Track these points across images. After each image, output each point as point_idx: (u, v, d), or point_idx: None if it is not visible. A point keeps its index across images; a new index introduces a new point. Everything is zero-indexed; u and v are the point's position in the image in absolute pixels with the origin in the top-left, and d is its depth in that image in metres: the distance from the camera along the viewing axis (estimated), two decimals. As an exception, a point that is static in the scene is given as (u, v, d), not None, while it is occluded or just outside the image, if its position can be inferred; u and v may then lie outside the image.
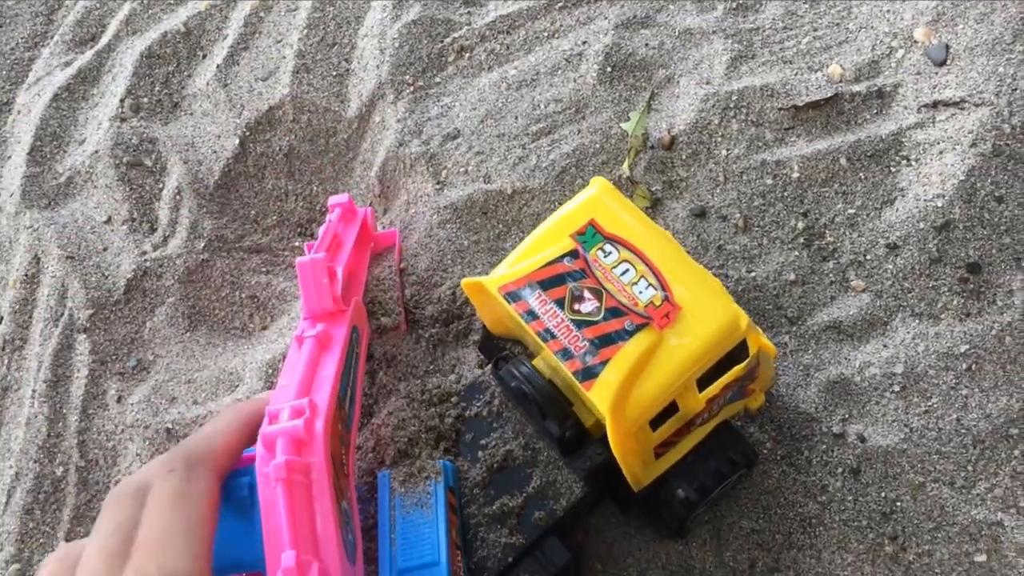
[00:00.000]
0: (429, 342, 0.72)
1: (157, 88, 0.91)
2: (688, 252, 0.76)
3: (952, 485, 0.66)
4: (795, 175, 0.77)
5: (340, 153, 0.87)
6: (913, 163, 0.76)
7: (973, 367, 0.69)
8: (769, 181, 0.77)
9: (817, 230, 0.76)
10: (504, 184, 0.78)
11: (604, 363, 0.54)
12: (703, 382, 0.56)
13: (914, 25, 0.82)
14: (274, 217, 0.85)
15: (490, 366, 0.64)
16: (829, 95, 0.79)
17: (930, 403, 0.68)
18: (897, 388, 0.69)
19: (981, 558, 0.63)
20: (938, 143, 0.76)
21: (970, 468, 0.66)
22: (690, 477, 0.60)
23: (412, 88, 0.86)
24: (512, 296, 0.57)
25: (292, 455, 0.48)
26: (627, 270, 0.56)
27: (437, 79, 0.86)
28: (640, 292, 0.55)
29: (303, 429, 0.49)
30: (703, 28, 0.86)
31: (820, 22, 0.85)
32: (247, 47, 0.92)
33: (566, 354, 0.55)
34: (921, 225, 0.73)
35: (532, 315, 0.56)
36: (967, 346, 0.69)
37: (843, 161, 0.77)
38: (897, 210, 0.74)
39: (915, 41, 0.81)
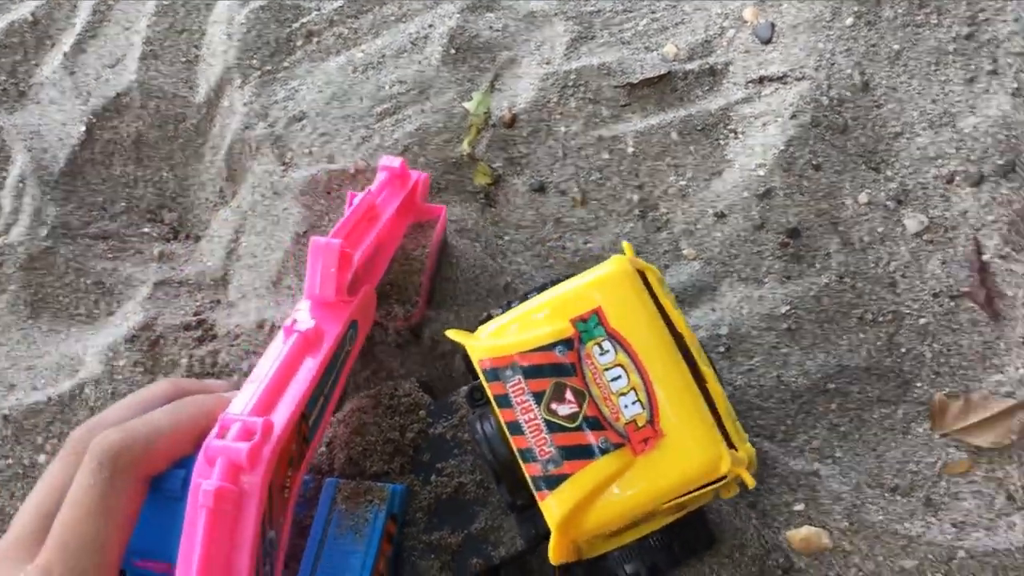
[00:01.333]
0: (413, 343, 0.69)
1: (3, 78, 0.88)
2: (528, 227, 0.77)
3: (772, 439, 0.68)
4: (630, 150, 0.79)
5: (190, 139, 0.86)
6: (740, 136, 0.79)
7: (793, 327, 0.71)
8: (606, 156, 0.79)
9: (651, 202, 0.77)
10: (347, 163, 0.78)
11: (565, 477, 0.50)
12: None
13: (743, 6, 0.84)
14: (122, 203, 0.83)
15: (466, 389, 0.61)
16: (663, 72, 0.81)
17: (752, 362, 0.70)
18: (722, 349, 0.71)
19: (799, 507, 0.66)
20: (762, 116, 0.78)
21: (789, 422, 0.69)
22: (642, 555, 0.56)
23: (259, 72, 0.85)
24: (491, 373, 0.52)
25: (227, 481, 0.45)
26: (619, 376, 0.51)
27: (285, 63, 0.86)
28: (625, 406, 0.50)
29: (246, 456, 0.46)
30: (545, 11, 0.88)
31: (658, 5, 0.87)
32: (95, 35, 0.90)
33: (529, 455, 0.50)
34: (745, 194, 0.75)
35: (505, 402, 0.51)
36: (787, 307, 0.71)
37: (674, 135, 0.79)
38: (724, 181, 0.77)
39: (744, 21, 0.84)
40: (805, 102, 0.77)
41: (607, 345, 0.51)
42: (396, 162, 0.66)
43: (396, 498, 0.59)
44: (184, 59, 0.89)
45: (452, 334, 0.54)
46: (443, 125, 0.80)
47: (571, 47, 0.85)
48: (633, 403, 0.50)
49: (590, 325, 0.51)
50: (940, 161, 0.75)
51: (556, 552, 0.50)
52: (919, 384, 0.70)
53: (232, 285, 0.78)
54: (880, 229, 0.74)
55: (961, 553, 0.63)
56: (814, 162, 0.76)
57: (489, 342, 0.52)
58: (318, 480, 0.60)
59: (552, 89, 0.82)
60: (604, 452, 0.49)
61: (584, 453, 0.50)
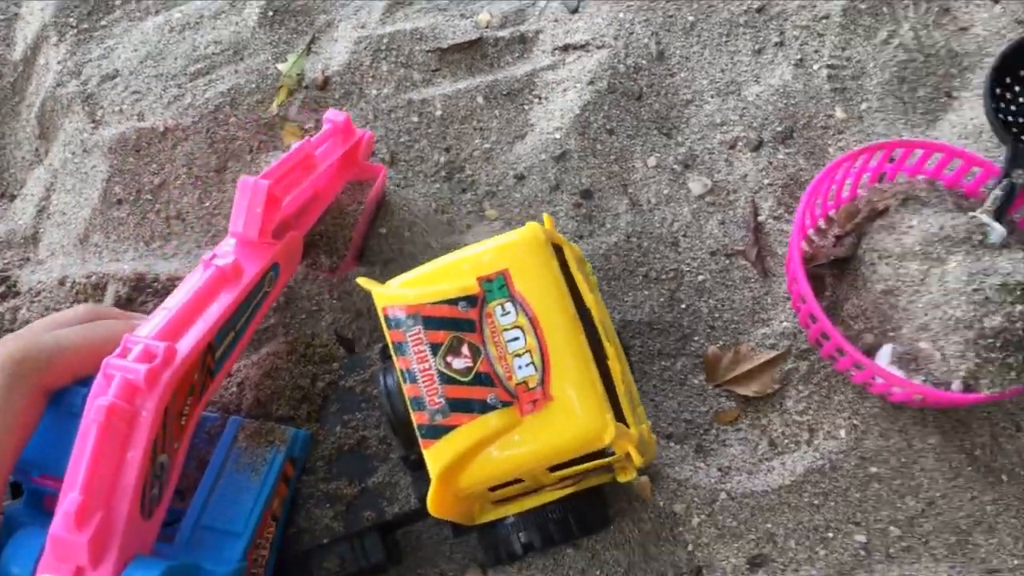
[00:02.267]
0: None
1: None
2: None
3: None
4: (438, 113, 0.80)
5: (6, 97, 0.85)
6: (543, 101, 0.81)
7: (580, 283, 0.74)
8: (415, 119, 0.81)
9: (458, 164, 0.79)
10: (156, 122, 0.78)
11: (451, 428, 0.50)
12: (556, 466, 0.53)
13: (554, -25, 0.86)
14: (-66, 160, 0.82)
15: (380, 345, 0.61)
16: (474, 39, 0.83)
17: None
18: (513, 304, 0.73)
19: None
20: (564, 82, 0.81)
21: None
22: (539, 525, 0.58)
23: (76, 31, 0.85)
24: (392, 321, 0.52)
25: (121, 400, 0.45)
26: (517, 338, 0.51)
27: (103, 22, 0.86)
28: (519, 367, 0.50)
29: (143, 377, 0.46)
30: (366, -24, 0.89)
31: (476, -28, 0.89)
32: (-90, -11, 0.88)
33: (419, 403, 0.51)
34: (543, 156, 0.78)
35: (402, 350, 0.51)
36: (577, 264, 0.74)
37: (480, 100, 0.81)
38: (526, 143, 0.79)
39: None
40: (603, 69, 0.80)
41: (509, 307, 0.51)
42: (340, 116, 0.64)
43: (298, 442, 0.59)
44: (2, 16, 0.87)
45: (362, 281, 0.54)
46: (256, 86, 0.81)
47: (387, 12, 0.86)
48: (527, 365, 0.50)
49: (495, 285, 0.52)
50: (725, 127, 0.79)
51: (435, 503, 0.50)
52: (696, 338, 0.73)
53: (42, 243, 0.77)
54: (666, 191, 0.77)
55: (723, 495, 0.67)
56: (608, 127, 0.78)
57: (394, 291, 0.53)
58: (223, 418, 0.60)
59: (365, 53, 0.83)
60: (492, 408, 0.50)
61: (472, 407, 0.50)
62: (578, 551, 0.65)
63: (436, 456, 0.50)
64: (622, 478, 0.56)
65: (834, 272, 0.70)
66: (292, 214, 0.60)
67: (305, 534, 0.59)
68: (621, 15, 0.82)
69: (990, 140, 0.75)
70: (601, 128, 0.78)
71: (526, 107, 0.81)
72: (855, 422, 0.69)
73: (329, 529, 0.59)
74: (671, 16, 0.82)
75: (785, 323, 0.72)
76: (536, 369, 0.50)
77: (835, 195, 0.72)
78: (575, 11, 0.85)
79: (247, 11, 0.85)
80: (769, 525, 0.66)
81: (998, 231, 0.66)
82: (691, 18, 0.82)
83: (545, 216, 0.56)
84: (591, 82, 0.79)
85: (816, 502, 0.67)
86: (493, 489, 0.54)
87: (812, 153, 0.77)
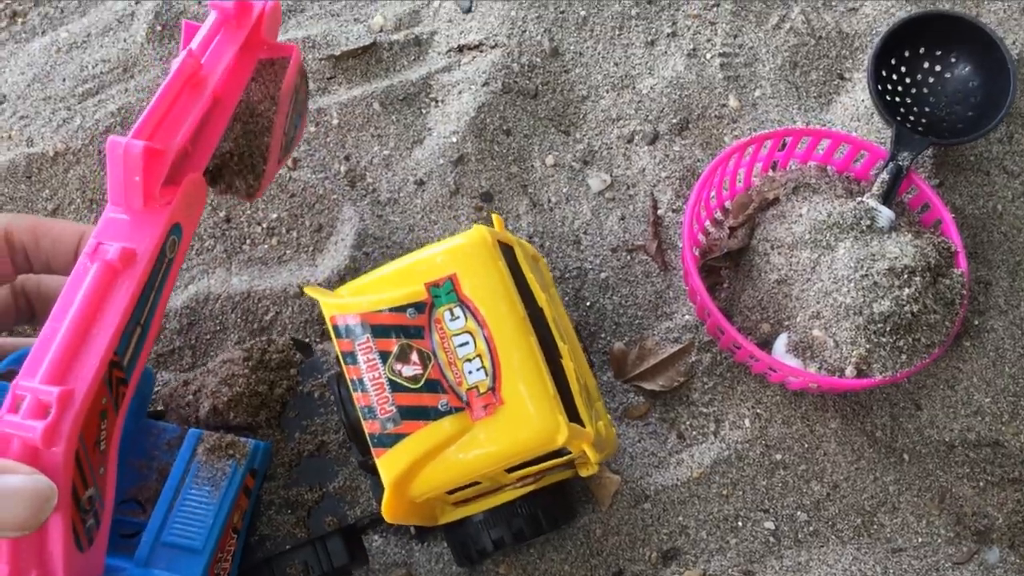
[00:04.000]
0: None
1: None
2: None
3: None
4: (335, 121, 0.78)
5: None
6: (440, 104, 0.79)
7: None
8: (312, 129, 0.78)
9: (358, 172, 0.77)
10: (47, 146, 0.75)
11: (403, 436, 0.49)
12: (513, 467, 0.52)
13: (447, -25, 0.84)
14: None
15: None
16: (367, 43, 0.80)
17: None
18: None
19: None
20: (459, 84, 0.78)
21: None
22: (509, 522, 0.57)
23: (-41, 56, 0.81)
24: (340, 330, 0.51)
25: (25, 462, 0.41)
26: (466, 343, 0.50)
27: (-13, 46, 0.82)
28: (469, 372, 0.50)
29: (40, 437, 0.41)
30: (257, -16, 0.85)
31: (369, -25, 0.86)
32: None
33: (370, 412, 0.50)
34: (441, 161, 0.76)
35: (352, 358, 0.51)
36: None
37: (377, 106, 0.78)
38: (424, 148, 0.77)
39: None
40: (497, 69, 0.78)
41: (458, 311, 0.51)
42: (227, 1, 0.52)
43: (258, 454, 0.57)
44: None
45: (309, 290, 0.53)
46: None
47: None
48: (477, 370, 0.50)
49: (443, 291, 0.51)
50: (622, 122, 0.77)
51: (390, 510, 0.50)
52: (603, 335, 0.72)
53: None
54: (566, 189, 0.75)
55: (636, 491, 0.66)
56: (505, 127, 0.76)
57: (342, 300, 0.52)
58: (183, 430, 0.58)
59: (259, 64, 0.80)
60: (443, 415, 0.49)
61: (423, 414, 0.49)
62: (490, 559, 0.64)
63: (389, 464, 0.49)
64: (584, 472, 0.56)
65: (730, 264, 0.69)
66: (183, 151, 0.48)
67: (268, 541, 0.58)
68: (513, 13, 0.80)
69: (880, 121, 0.75)
70: (498, 129, 0.76)
71: (423, 111, 0.79)
72: (758, 411, 0.68)
73: (291, 535, 0.58)
74: (563, 12, 0.80)
75: (687, 316, 0.71)
76: (486, 373, 0.50)
77: (729, 186, 0.71)
78: (468, 11, 0.82)
79: (135, 27, 0.82)
80: (681, 518, 0.66)
81: (886, 215, 0.65)
82: (583, 13, 0.80)
83: (495, 216, 0.55)
84: (486, 83, 0.77)
85: (725, 492, 0.66)
86: (451, 492, 0.53)
87: (708, 143, 0.76)
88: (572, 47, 0.80)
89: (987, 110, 0.70)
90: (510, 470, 0.52)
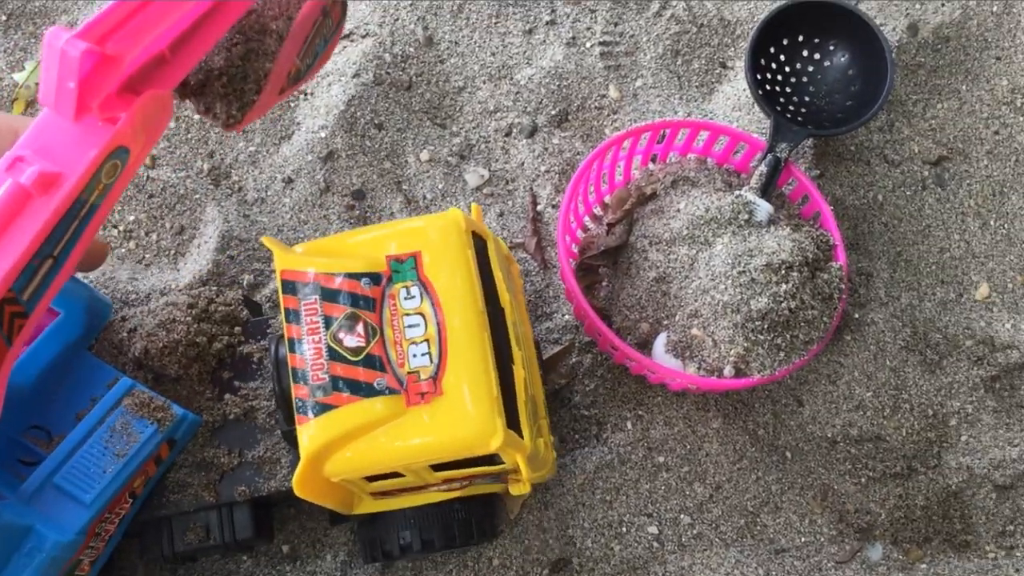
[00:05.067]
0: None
1: None
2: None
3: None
4: (196, 116, 0.73)
5: None
6: (308, 97, 0.74)
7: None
8: (172, 124, 0.73)
9: (223, 170, 0.72)
10: None
11: (329, 408, 0.45)
12: (441, 466, 0.49)
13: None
14: None
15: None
16: (231, 33, 0.75)
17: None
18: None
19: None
20: (328, 75, 0.74)
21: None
22: (421, 526, 0.55)
23: None
24: (289, 286, 0.47)
25: None
26: (417, 325, 0.47)
27: None
28: (414, 355, 0.46)
29: None
30: (113, -30, 0.79)
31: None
32: None
33: (301, 376, 0.46)
34: (310, 157, 0.71)
35: (294, 318, 0.47)
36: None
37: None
38: (292, 144, 0.72)
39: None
40: (368, 60, 0.73)
41: (415, 291, 0.48)
42: None
43: (183, 425, 0.54)
44: None
45: (266, 240, 0.49)
46: None
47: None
48: (423, 355, 0.46)
49: (404, 267, 0.48)
50: (499, 114, 0.73)
51: (301, 483, 0.46)
52: (482, 336, 0.68)
53: None
54: (442, 186, 0.71)
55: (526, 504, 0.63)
56: (376, 121, 0.72)
57: (297, 256, 0.48)
58: (117, 376, 0.55)
59: (113, 55, 0.74)
60: (378, 394, 0.46)
61: (357, 389, 0.46)
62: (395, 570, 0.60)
63: (309, 434, 0.45)
64: (514, 491, 0.53)
65: (608, 262, 0.66)
66: (163, 52, 0.39)
67: (171, 498, 0.55)
68: (385, 1, 0.76)
69: (761, 111, 0.72)
70: (369, 123, 0.72)
71: (291, 104, 0.74)
72: (640, 413, 0.65)
73: (198, 497, 0.55)
74: (436, 0, 0.76)
75: (567, 316, 0.68)
76: (431, 360, 0.46)
77: (608, 180, 0.68)
78: None
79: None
80: (568, 528, 0.63)
81: (764, 208, 0.63)
82: (458, 0, 0.76)
83: (473, 206, 0.52)
84: (356, 74, 0.73)
85: (608, 498, 0.64)
86: (371, 480, 0.50)
87: (588, 135, 0.73)
88: (447, 36, 0.75)
89: (866, 99, 0.68)
90: (437, 468, 0.49)
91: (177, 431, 0.54)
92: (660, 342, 0.62)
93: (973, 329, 0.68)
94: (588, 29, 0.76)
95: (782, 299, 0.59)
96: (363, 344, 0.47)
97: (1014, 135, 0.74)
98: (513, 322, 0.51)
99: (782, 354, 0.59)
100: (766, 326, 0.59)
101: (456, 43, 0.75)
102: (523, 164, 0.72)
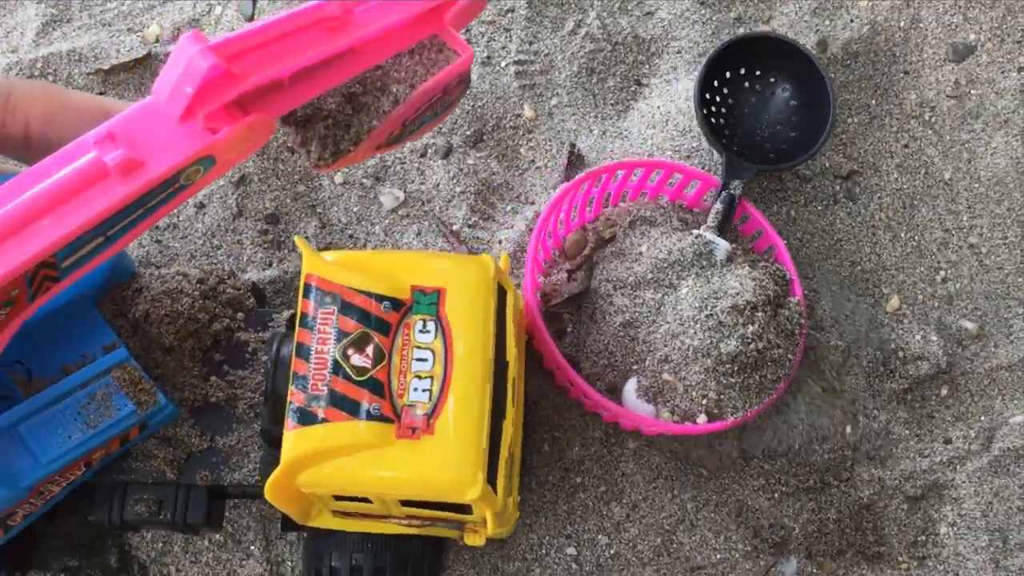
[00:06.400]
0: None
1: None
2: None
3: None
4: (106, 141, 0.70)
5: None
6: (221, 120, 0.72)
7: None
8: (80, 150, 0.70)
9: (134, 195, 0.70)
10: None
11: (320, 421, 0.45)
12: (410, 502, 0.49)
13: (229, -20, 0.77)
14: None
15: (291, 312, 0.57)
16: (141, 55, 0.73)
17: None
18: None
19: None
20: (240, 98, 0.72)
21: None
22: (376, 552, 0.55)
23: None
24: (310, 290, 0.47)
25: None
26: (425, 359, 0.47)
27: None
28: (415, 388, 0.46)
29: None
30: (19, -8, 0.77)
31: (146, -20, 0.78)
32: None
33: (301, 383, 0.46)
34: (222, 182, 0.70)
35: (308, 323, 0.47)
36: (273, 289, 0.67)
37: (151, 123, 0.71)
38: (204, 168, 0.70)
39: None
40: (280, 82, 0.72)
41: (431, 326, 0.48)
42: None
43: (160, 413, 0.53)
44: None
45: (299, 240, 0.49)
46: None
47: (42, 32, 0.74)
48: (424, 390, 0.46)
49: (426, 300, 0.48)
50: (415, 135, 0.72)
51: (274, 489, 0.46)
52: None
53: None
54: (356, 208, 0.70)
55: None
56: (289, 144, 0.71)
57: (326, 263, 0.48)
58: (116, 342, 0.54)
59: (20, 79, 0.71)
60: (370, 418, 0.45)
61: (352, 408, 0.46)
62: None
63: (295, 442, 0.45)
64: (469, 541, 0.53)
65: (572, 309, 0.65)
66: (283, 80, 0.40)
67: (132, 465, 0.54)
68: (299, 21, 0.74)
69: (676, 128, 0.72)
70: (282, 146, 0.70)
71: (204, 128, 0.72)
72: (556, 435, 0.65)
73: (158, 471, 0.54)
74: (351, 19, 0.75)
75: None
76: (430, 398, 0.46)
77: (565, 223, 0.67)
78: (251, 18, 0.76)
79: None
80: (495, 558, 0.62)
81: (723, 247, 0.63)
82: (372, 20, 0.75)
83: (503, 255, 0.52)
84: (268, 97, 0.71)
85: (528, 521, 0.63)
86: (339, 498, 0.49)
87: (504, 155, 0.72)
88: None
89: (809, 130, 0.68)
90: (406, 503, 0.49)
91: (153, 418, 0.53)
92: (631, 387, 0.61)
93: (884, 341, 0.68)
94: (503, 48, 0.75)
95: (750, 340, 0.59)
96: (368, 366, 0.46)
97: (923, 148, 0.74)
98: (514, 379, 0.51)
99: (753, 395, 0.60)
100: (736, 369, 0.59)
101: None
102: (438, 185, 0.71)
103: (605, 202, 0.68)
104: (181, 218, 0.69)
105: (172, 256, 0.68)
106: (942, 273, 0.72)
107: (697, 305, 0.60)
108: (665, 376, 0.60)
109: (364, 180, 0.71)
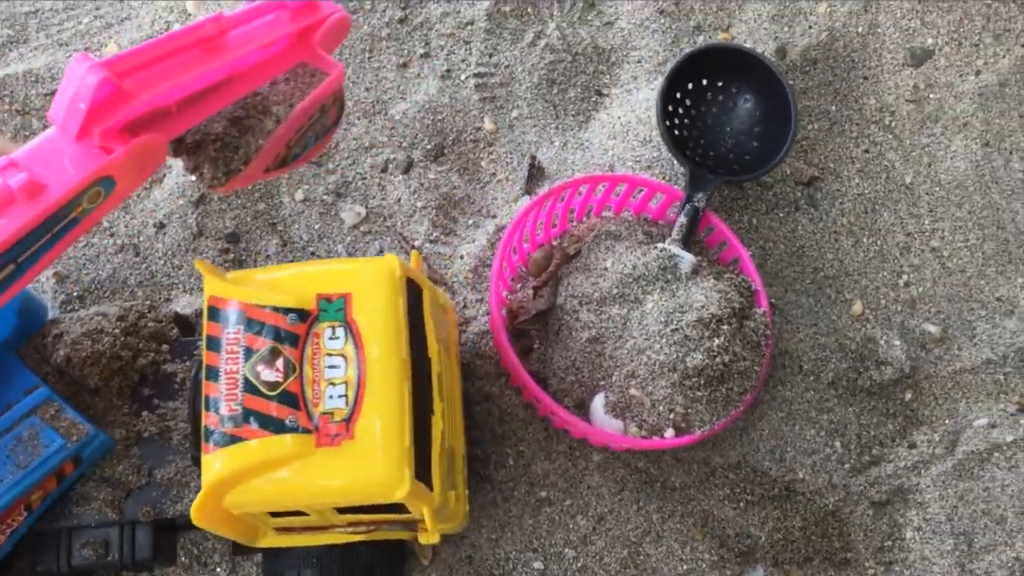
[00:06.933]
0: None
1: None
2: None
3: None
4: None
5: None
6: (180, 139, 0.71)
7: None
8: (38, 172, 0.69)
9: (93, 217, 0.69)
10: None
11: (237, 440, 0.44)
12: (347, 508, 0.48)
13: (187, -2, 0.77)
14: None
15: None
16: (98, 76, 0.72)
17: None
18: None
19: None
20: (199, 117, 0.71)
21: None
22: (322, 565, 0.54)
23: None
24: (214, 313, 0.47)
25: None
26: (337, 366, 0.46)
27: None
28: (330, 396, 0.46)
29: None
30: (-26, 13, 0.76)
31: (103, 1, 0.77)
32: None
33: (213, 404, 0.45)
34: (181, 201, 0.69)
35: (215, 346, 0.46)
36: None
37: (109, 144, 0.70)
38: (164, 188, 0.70)
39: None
40: (239, 100, 0.71)
41: (340, 332, 0.47)
42: None
43: (92, 444, 0.53)
44: None
45: (199, 264, 0.48)
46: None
47: (-1, 53, 0.74)
48: (339, 396, 0.45)
49: (332, 307, 0.47)
50: (375, 150, 0.72)
51: (199, 513, 0.45)
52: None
53: None
54: (318, 225, 0.70)
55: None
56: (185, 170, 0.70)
57: (227, 283, 0.47)
58: (37, 384, 0.54)
59: (-25, 102, 0.71)
60: (288, 431, 0.44)
61: (268, 424, 0.45)
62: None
63: (213, 464, 0.44)
64: (423, 539, 0.51)
65: (538, 325, 0.64)
66: (171, 107, 0.43)
67: (73, 511, 0.54)
68: (257, 38, 0.74)
69: (636, 138, 0.72)
70: (241, 164, 0.70)
71: (163, 147, 0.71)
72: (521, 449, 0.64)
73: (100, 512, 0.54)
74: (310, 35, 0.74)
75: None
76: (347, 403, 0.45)
77: (530, 239, 0.66)
78: (210, 36, 0.75)
79: None
80: (455, 571, 0.62)
81: (688, 260, 0.63)
82: (331, 35, 0.74)
83: (413, 253, 0.52)
84: (227, 115, 0.70)
85: (494, 536, 0.63)
86: (275, 515, 0.48)
87: (465, 169, 0.72)
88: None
89: (771, 141, 0.68)
90: (343, 511, 0.48)
91: (85, 449, 0.53)
92: (598, 402, 0.61)
93: (848, 348, 0.68)
94: (463, 61, 0.75)
95: (715, 353, 0.59)
96: (280, 379, 0.46)
97: (883, 152, 0.74)
98: (439, 373, 0.50)
99: (720, 407, 0.59)
100: (703, 382, 0.59)
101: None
102: (400, 200, 0.70)
103: (570, 217, 0.68)
104: (141, 239, 0.68)
105: (132, 276, 0.67)
106: (905, 277, 0.71)
107: (663, 319, 0.59)
108: (632, 391, 0.60)
109: (325, 197, 0.70)
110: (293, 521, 0.50)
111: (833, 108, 0.75)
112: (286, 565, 0.55)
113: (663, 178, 0.70)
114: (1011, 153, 0.74)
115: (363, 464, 0.45)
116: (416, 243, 0.69)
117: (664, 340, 0.59)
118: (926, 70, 0.76)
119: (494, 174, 0.72)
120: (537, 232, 0.67)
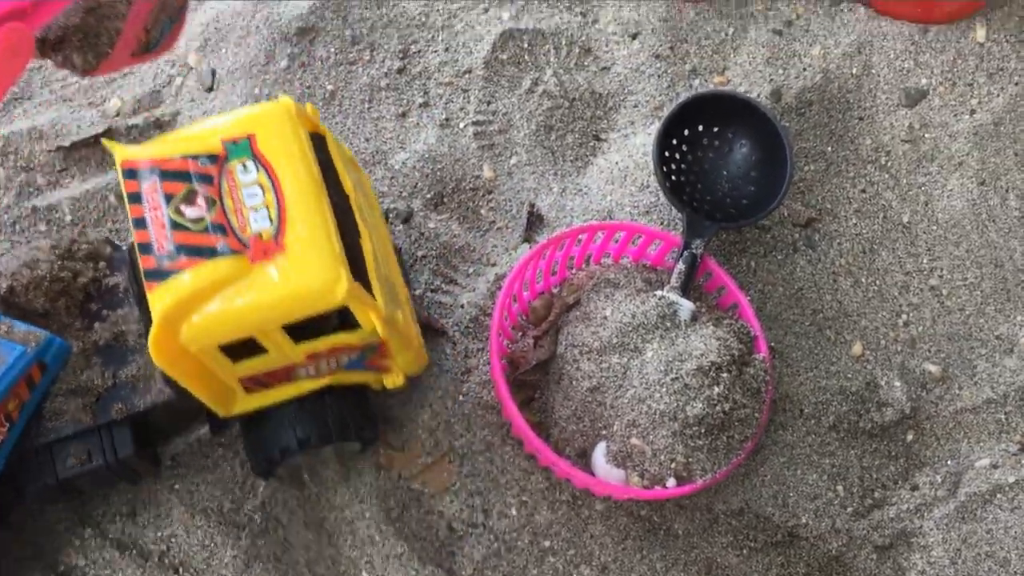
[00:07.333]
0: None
1: None
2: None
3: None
4: (68, 219, 0.70)
5: None
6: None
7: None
8: (43, 227, 0.70)
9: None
10: None
11: (178, 272, 0.47)
12: (300, 334, 0.51)
13: (188, 51, 0.77)
14: None
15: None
16: (101, 131, 0.73)
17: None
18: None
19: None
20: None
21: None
22: (295, 426, 0.56)
23: None
24: (130, 173, 0.50)
25: None
26: (255, 194, 0.50)
27: None
28: (255, 220, 0.49)
29: None
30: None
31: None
32: None
33: (146, 249, 0.48)
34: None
35: (136, 199, 0.49)
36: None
37: (113, 199, 0.71)
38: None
39: (190, 67, 0.77)
40: (240, 153, 0.72)
41: (250, 165, 0.50)
42: None
43: (52, 348, 0.54)
44: None
45: (107, 143, 0.52)
46: None
47: (3, 110, 0.75)
48: (263, 218, 0.49)
49: (239, 147, 0.51)
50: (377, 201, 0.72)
51: (156, 346, 0.48)
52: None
53: None
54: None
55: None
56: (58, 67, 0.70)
57: (136, 149, 0.51)
58: None
59: (-20, 160, 0.72)
60: (221, 255, 0.48)
61: (202, 252, 0.48)
62: None
63: (160, 297, 0.47)
64: (389, 383, 0.55)
65: (539, 375, 0.64)
66: (25, 8, 0.45)
67: (49, 425, 0.55)
68: (257, 90, 0.74)
69: (634, 184, 0.72)
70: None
71: (166, 200, 0.72)
72: (524, 498, 0.64)
73: (76, 420, 0.55)
74: (309, 87, 0.75)
75: (442, 414, 0.66)
76: (271, 222, 0.49)
77: (530, 287, 0.67)
78: (211, 89, 0.76)
79: None
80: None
81: (686, 307, 0.63)
82: (330, 87, 0.75)
83: (308, 104, 0.55)
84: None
85: (498, 586, 0.63)
86: (234, 359, 0.51)
87: (465, 217, 0.72)
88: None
89: (767, 186, 0.68)
90: (296, 338, 0.51)
91: (47, 353, 0.54)
92: (600, 452, 0.61)
93: (848, 390, 0.68)
94: (461, 109, 0.75)
95: (716, 402, 0.59)
96: (204, 214, 0.49)
97: (880, 192, 0.74)
98: (359, 207, 0.53)
99: (721, 456, 0.60)
100: (703, 431, 0.59)
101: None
102: (400, 250, 0.71)
103: (569, 264, 0.68)
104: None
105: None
106: (904, 316, 0.71)
107: (663, 368, 0.60)
108: (633, 440, 0.60)
109: (326, 248, 0.71)
110: (255, 365, 0.52)
111: (829, 149, 0.75)
112: (265, 437, 0.57)
113: (661, 222, 0.70)
114: (1007, 191, 0.74)
115: (299, 269, 0.48)
116: (418, 292, 0.69)
117: (664, 389, 0.59)
118: (921, 110, 0.76)
119: (494, 222, 0.72)
120: (537, 280, 0.67)
